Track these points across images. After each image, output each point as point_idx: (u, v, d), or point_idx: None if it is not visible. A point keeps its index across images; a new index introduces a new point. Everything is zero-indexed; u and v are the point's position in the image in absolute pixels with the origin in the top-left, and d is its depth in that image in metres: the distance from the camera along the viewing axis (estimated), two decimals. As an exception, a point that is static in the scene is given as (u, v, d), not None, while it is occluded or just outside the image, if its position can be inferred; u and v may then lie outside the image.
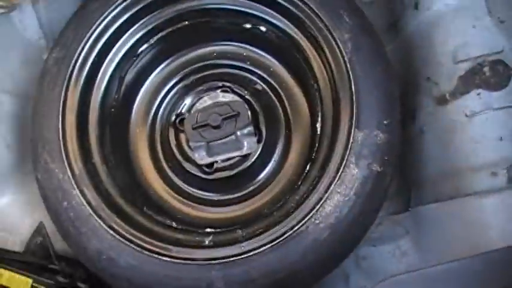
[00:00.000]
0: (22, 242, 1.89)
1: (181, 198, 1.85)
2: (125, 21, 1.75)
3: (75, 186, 1.59)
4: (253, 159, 1.80)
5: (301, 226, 1.46)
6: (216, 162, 1.79)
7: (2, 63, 1.92)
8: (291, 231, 1.46)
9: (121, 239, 1.53)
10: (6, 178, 1.93)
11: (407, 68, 1.79)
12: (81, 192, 1.59)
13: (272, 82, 1.90)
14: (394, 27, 1.87)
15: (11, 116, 1.93)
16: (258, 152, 1.80)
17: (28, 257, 1.82)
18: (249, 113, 1.77)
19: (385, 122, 1.52)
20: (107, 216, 1.57)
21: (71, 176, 1.60)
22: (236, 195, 1.82)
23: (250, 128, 1.77)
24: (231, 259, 1.48)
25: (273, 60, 1.90)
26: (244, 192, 1.82)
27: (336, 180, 1.48)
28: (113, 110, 1.83)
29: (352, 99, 1.53)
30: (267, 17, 1.76)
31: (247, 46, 1.92)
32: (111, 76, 1.79)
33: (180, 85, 1.95)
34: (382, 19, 1.90)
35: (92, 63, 1.72)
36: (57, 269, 1.78)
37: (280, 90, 1.89)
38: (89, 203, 1.58)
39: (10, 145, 1.92)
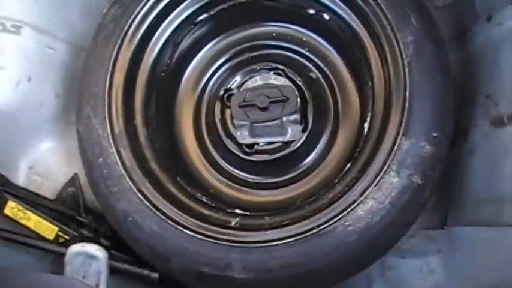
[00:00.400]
0: (55, 190, 1.91)
1: (216, 173, 1.84)
2: (189, -13, 1.73)
3: (112, 144, 1.60)
4: (294, 148, 1.77)
5: (329, 225, 1.43)
6: (257, 144, 1.78)
7: (61, 10, 1.92)
8: (317, 229, 1.43)
9: (148, 204, 1.54)
10: (51, 125, 1.95)
11: (468, 82, 1.70)
12: (117, 151, 1.59)
13: (327, 72, 1.85)
14: (461, 37, 1.79)
15: (63, 65, 1.93)
16: (301, 141, 1.77)
17: (58, 205, 1.83)
18: (298, 100, 1.73)
19: (434, 134, 1.46)
20: (138, 179, 1.57)
21: (109, 134, 1.61)
22: (271, 180, 1.80)
23: (297, 116, 1.73)
24: (253, 245, 1.47)
25: (332, 50, 1.85)
26: (280, 179, 1.80)
27: (373, 185, 1.43)
28: (163, 74, 1.82)
29: (404, 105, 1.47)
30: (331, 6, 1.71)
31: (308, 32, 1.87)
32: (166, 41, 1.77)
33: (233, 61, 1.93)
34: (451, 26, 1.81)
35: (148, 25, 1.71)
36: (83, 222, 1.79)
37: (334, 82, 1.84)
38: (122, 163, 1.58)
39: (59, 94, 1.93)
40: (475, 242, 1.55)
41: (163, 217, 1.52)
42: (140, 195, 1.55)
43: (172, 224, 1.51)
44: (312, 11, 1.78)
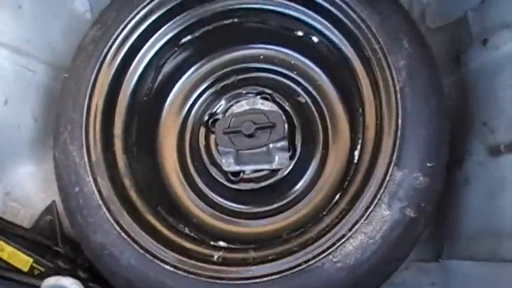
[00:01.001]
0: (32, 217, 1.84)
1: (200, 202, 1.76)
2: (172, 8, 1.66)
3: (89, 172, 1.53)
4: (282, 176, 1.70)
5: (317, 262, 1.36)
6: (243, 172, 1.70)
7: (43, 31, 1.86)
8: (304, 265, 1.36)
9: (126, 236, 1.47)
10: (29, 149, 1.88)
11: (462, 107, 1.64)
12: (95, 180, 1.53)
13: (316, 96, 1.78)
14: (455, 60, 1.72)
15: (42, 86, 1.87)
16: (289, 169, 1.70)
17: (34, 234, 1.76)
18: (286, 126, 1.66)
19: (428, 164, 1.38)
20: (116, 209, 1.51)
21: (87, 162, 1.54)
22: (257, 210, 1.73)
23: (284, 143, 1.66)
24: (237, 282, 1.39)
25: (321, 73, 1.78)
26: (266, 208, 1.72)
27: (363, 219, 1.36)
28: (145, 99, 1.75)
29: (397, 133, 1.40)
30: (320, 28, 1.64)
31: (297, 55, 1.81)
32: (149, 64, 1.71)
33: (219, 84, 1.86)
34: (444, 49, 1.74)
35: (130, 47, 1.65)
36: (60, 252, 1.72)
37: (323, 107, 1.77)
38: (99, 193, 1.51)
39: (37, 117, 1.87)
40: (471, 276, 1.47)
41: (142, 250, 1.45)
42: (117, 227, 1.48)
43: (151, 258, 1.44)
44: (300, 33, 1.72)
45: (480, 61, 1.59)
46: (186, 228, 1.61)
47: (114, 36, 1.62)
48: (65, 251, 1.72)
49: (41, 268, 1.67)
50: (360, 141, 1.58)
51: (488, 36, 1.56)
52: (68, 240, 1.78)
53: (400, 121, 1.40)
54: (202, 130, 1.79)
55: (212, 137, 1.77)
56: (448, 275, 1.56)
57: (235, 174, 1.71)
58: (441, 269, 1.60)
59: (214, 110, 1.80)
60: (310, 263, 1.36)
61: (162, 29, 1.69)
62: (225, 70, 1.85)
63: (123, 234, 1.47)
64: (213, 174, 1.75)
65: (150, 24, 1.65)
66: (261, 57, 1.84)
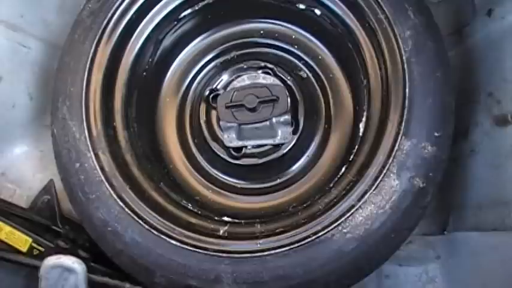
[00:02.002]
0: (29, 198, 1.81)
1: (202, 179, 1.75)
2: (172, -21, 1.63)
3: (90, 148, 1.49)
4: (285, 151, 1.70)
5: (326, 233, 1.34)
6: (245, 147, 1.70)
7: (36, 6, 1.82)
8: (313, 237, 1.34)
9: (129, 212, 1.43)
10: (24, 129, 1.85)
11: (467, 79, 1.64)
12: (96, 155, 1.49)
13: (318, 71, 1.78)
14: (458, 33, 1.72)
15: (37, 64, 1.83)
16: (292, 144, 1.70)
17: (32, 214, 1.72)
18: (289, 100, 1.64)
19: (436, 134, 1.37)
20: (118, 185, 1.47)
21: (87, 137, 1.50)
22: (261, 185, 1.72)
23: (288, 117, 1.65)
24: (244, 255, 1.37)
25: (323, 48, 1.77)
26: (270, 184, 1.71)
27: (372, 189, 1.35)
28: (144, 74, 1.72)
29: (404, 104, 1.38)
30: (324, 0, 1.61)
31: (298, 29, 1.79)
32: (148, 37, 1.68)
33: (219, 59, 1.84)
34: (447, 22, 1.74)
35: (128, 20, 1.61)
36: (60, 232, 1.69)
37: (325, 81, 1.76)
38: (101, 168, 1.48)
39: (33, 95, 1.83)
40: (478, 247, 1.48)
41: (146, 226, 1.42)
42: (121, 202, 1.44)
43: (156, 233, 1.41)
44: (302, 6, 1.70)
45: (485, 32, 1.59)
46: (190, 205, 1.59)
47: (113, 9, 1.58)
48: (64, 231, 1.69)
49: (41, 248, 1.62)
50: (365, 114, 1.57)
51: (493, 6, 1.56)
52: (68, 221, 1.75)
53: (407, 91, 1.39)
54: (203, 106, 1.77)
55: (213, 112, 1.75)
56: (454, 247, 1.56)
57: (238, 149, 1.70)
58: (446, 242, 1.60)
59: (215, 86, 1.78)
60: (319, 234, 1.34)
61: (162, 2, 1.65)
62: (225, 45, 1.83)
63: (127, 209, 1.43)
64: (215, 150, 1.74)
65: (150, -4, 1.62)
66: (262, 32, 1.82)
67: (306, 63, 1.79)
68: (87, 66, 1.55)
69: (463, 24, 1.69)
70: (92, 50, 1.56)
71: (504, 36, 1.52)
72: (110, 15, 1.58)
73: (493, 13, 1.55)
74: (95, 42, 1.56)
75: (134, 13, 1.61)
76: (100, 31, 1.57)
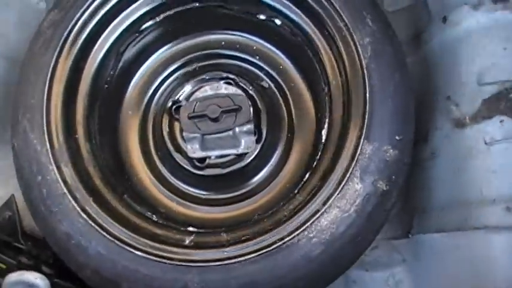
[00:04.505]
0: (-11, 215, 1.75)
1: (166, 190, 1.73)
2: (132, -9, 1.63)
3: (52, 160, 1.46)
4: (249, 160, 1.68)
5: (292, 238, 1.34)
6: (209, 157, 1.68)
7: (-6, 21, 1.79)
8: (280, 242, 1.34)
9: (93, 224, 1.41)
10: (-17, 144, 1.79)
11: (426, 84, 1.66)
12: (58, 168, 1.46)
13: (280, 81, 1.79)
14: (415, 40, 1.75)
15: (-3, 79, 1.79)
16: (256, 153, 1.68)
17: (-8, 231, 1.67)
18: (251, 109, 1.64)
19: (397, 137, 1.40)
20: (81, 197, 1.45)
21: (49, 149, 1.47)
22: (226, 196, 1.71)
23: (251, 126, 1.64)
24: (211, 264, 1.36)
25: (284, 57, 1.79)
26: (234, 194, 1.71)
27: (336, 193, 1.35)
28: (106, 86, 1.70)
29: (365, 109, 1.40)
30: (284, 10, 1.63)
31: (259, 39, 1.80)
32: (109, 49, 1.66)
33: (181, 71, 1.83)
34: (404, 30, 1.76)
35: (89, 32, 1.60)
36: (22, 248, 1.64)
37: (287, 90, 1.78)
38: (64, 181, 1.45)
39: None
40: (443, 248, 1.48)
41: (111, 238, 1.40)
42: (84, 215, 1.42)
43: (121, 245, 1.39)
44: (262, 17, 1.70)
45: (441, 38, 1.62)
46: (154, 216, 1.57)
47: (74, 20, 1.57)
48: (27, 247, 1.65)
49: (2, 265, 1.58)
50: (327, 120, 1.58)
51: (448, 13, 1.59)
52: (29, 237, 1.71)
53: (367, 96, 1.41)
54: (166, 117, 1.75)
55: (176, 124, 1.73)
56: (419, 249, 1.57)
57: (201, 160, 1.68)
58: (412, 245, 1.61)
59: (177, 97, 1.77)
60: (285, 240, 1.34)
61: (124, 13, 1.64)
62: (187, 57, 1.83)
63: (90, 222, 1.41)
64: (179, 161, 1.72)
65: (110, 8, 1.61)
66: (223, 43, 1.82)
67: (267, 73, 1.80)
68: (48, 78, 1.52)
69: (420, 31, 1.72)
70: (53, 62, 1.54)
71: (459, 41, 1.55)
72: (70, 26, 1.56)
73: (448, 20, 1.58)
74: (55, 54, 1.54)
75: (95, 25, 1.60)
76: (61, 43, 1.55)
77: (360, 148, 1.37)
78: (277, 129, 1.73)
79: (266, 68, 1.80)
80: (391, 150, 1.38)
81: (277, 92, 1.78)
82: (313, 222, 1.34)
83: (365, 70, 1.43)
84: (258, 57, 1.81)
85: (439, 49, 1.63)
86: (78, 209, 1.42)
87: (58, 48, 1.55)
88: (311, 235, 1.34)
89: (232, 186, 1.71)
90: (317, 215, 1.34)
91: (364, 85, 1.42)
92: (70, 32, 1.56)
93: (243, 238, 1.39)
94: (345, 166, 1.38)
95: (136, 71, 1.80)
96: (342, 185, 1.36)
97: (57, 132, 1.50)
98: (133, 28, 1.69)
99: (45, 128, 1.49)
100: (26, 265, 1.60)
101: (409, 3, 1.81)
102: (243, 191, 1.70)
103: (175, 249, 1.39)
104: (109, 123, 1.73)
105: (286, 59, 1.78)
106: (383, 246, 1.67)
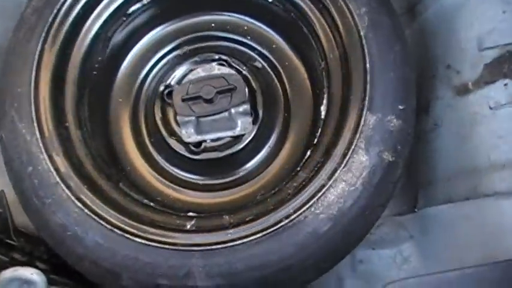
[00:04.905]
0: (-22, 212, 1.68)
1: (162, 178, 1.68)
2: (117, -27, 1.58)
3: (43, 149, 1.41)
4: (246, 142, 1.63)
5: (299, 215, 1.29)
6: (205, 141, 1.63)
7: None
8: (286, 221, 1.29)
9: (90, 213, 1.36)
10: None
11: (424, 55, 1.63)
12: (49, 156, 1.40)
13: (273, 60, 1.75)
14: (411, 11, 1.73)
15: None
16: (253, 134, 1.64)
17: (-18, 228, 1.61)
18: (247, 89, 1.59)
19: (400, 107, 1.36)
20: (75, 186, 1.39)
21: (39, 138, 1.42)
22: (224, 180, 1.66)
23: (247, 106, 1.59)
24: (215, 247, 1.31)
25: (276, 36, 1.75)
26: (233, 177, 1.66)
27: (341, 167, 1.31)
28: (95, 72, 1.64)
29: (366, 79, 1.36)
30: None
31: (250, 19, 1.76)
32: (96, 34, 1.60)
33: (172, 54, 1.78)
34: (398, 2, 1.73)
35: (75, 17, 1.54)
36: (14, 245, 1.58)
37: (281, 69, 1.74)
38: (56, 170, 1.39)
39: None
40: (451, 220, 1.45)
41: (109, 226, 1.34)
42: (79, 204, 1.36)
43: (120, 232, 1.34)
44: (253, -6, 1.66)
45: (437, 6, 1.60)
46: (152, 203, 1.52)
47: (58, 6, 1.51)
48: (20, 244, 1.58)
49: (-5, 263, 1.52)
50: (325, 96, 1.55)
51: None
52: (22, 233, 1.64)
53: (368, 66, 1.37)
54: (158, 103, 1.70)
55: (169, 109, 1.68)
56: (426, 224, 1.54)
57: (197, 144, 1.63)
58: (418, 219, 1.58)
59: (169, 81, 1.72)
60: (291, 217, 1.29)
61: (109, -5, 1.59)
62: (177, 40, 1.77)
63: (86, 211, 1.35)
64: (173, 147, 1.66)
65: (96, -9, 1.56)
66: (213, 24, 1.78)
67: (260, 53, 1.76)
68: (35, 65, 1.47)
69: (414, 3, 1.70)
70: (39, 49, 1.48)
71: (456, 8, 1.53)
72: (55, 12, 1.51)
73: None
74: (41, 41, 1.49)
75: (81, 9, 1.54)
76: (46, 29, 1.50)
77: (363, 119, 1.34)
78: (273, 109, 1.69)
79: (258, 48, 1.76)
80: (395, 120, 1.35)
81: (271, 72, 1.74)
82: (319, 197, 1.30)
83: (363, 40, 1.40)
84: (249, 38, 1.76)
85: (435, 18, 1.61)
86: (73, 197, 1.37)
87: (43, 35, 1.49)
88: (318, 211, 1.29)
89: (230, 170, 1.66)
90: (323, 190, 1.30)
91: (363, 56, 1.39)
92: (55, 18, 1.51)
93: (246, 219, 1.34)
94: (349, 139, 1.34)
95: (126, 56, 1.75)
96: (347, 158, 1.32)
97: (46, 121, 1.44)
98: (121, 12, 1.64)
99: (34, 117, 1.43)
100: (19, 262, 1.54)
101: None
102: (242, 174, 1.66)
103: (176, 235, 1.34)
104: (100, 111, 1.67)
105: (279, 38, 1.74)
106: (388, 223, 1.64)
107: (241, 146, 1.63)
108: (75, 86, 1.56)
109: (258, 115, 1.65)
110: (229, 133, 1.62)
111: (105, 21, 1.61)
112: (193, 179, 1.67)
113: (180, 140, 1.64)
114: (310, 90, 1.66)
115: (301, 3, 1.56)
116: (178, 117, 1.60)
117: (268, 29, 1.75)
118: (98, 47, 1.63)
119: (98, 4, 1.59)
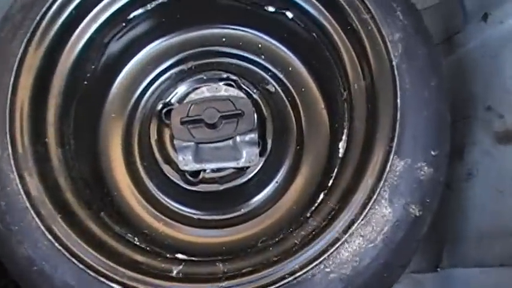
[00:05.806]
0: None
1: (151, 208, 1.54)
2: (119, -28, 1.46)
3: (13, 168, 1.27)
4: (250, 175, 1.50)
5: (305, 273, 1.14)
6: (204, 171, 1.49)
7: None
8: (290, 278, 1.14)
9: (60, 248, 1.21)
10: None
11: (461, 92, 1.51)
12: (21, 177, 1.26)
13: (288, 84, 1.62)
14: (449, 41, 1.60)
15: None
16: (259, 167, 1.50)
17: None
18: (255, 115, 1.45)
19: (432, 152, 1.20)
20: (47, 214, 1.25)
21: (11, 154, 1.28)
22: (222, 217, 1.52)
23: (254, 135, 1.45)
24: (203, 304, 1.16)
25: (294, 57, 1.62)
26: (233, 215, 1.52)
27: (360, 219, 1.16)
28: (85, 82, 1.51)
29: (396, 117, 1.21)
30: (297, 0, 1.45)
31: (265, 36, 1.63)
32: (91, 39, 1.47)
33: (175, 69, 1.65)
34: (435, 30, 1.59)
35: (67, 18, 1.41)
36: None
37: (296, 96, 1.61)
38: (27, 193, 1.25)
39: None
40: (480, 285, 1.30)
41: (81, 265, 1.20)
42: (49, 236, 1.22)
43: (93, 274, 1.19)
44: (271, 9, 1.52)
45: (480, 39, 1.48)
46: (136, 239, 1.37)
47: (48, 4, 1.37)
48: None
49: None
50: (345, 131, 1.41)
51: (489, 10, 1.44)
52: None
53: (398, 102, 1.21)
54: (155, 122, 1.56)
55: (166, 130, 1.55)
56: (450, 285, 1.39)
57: (195, 174, 1.49)
58: (440, 280, 1.47)
59: (168, 99, 1.58)
60: (297, 275, 1.14)
61: (108, -3, 1.47)
62: (181, 54, 1.65)
63: (57, 244, 1.21)
64: (168, 174, 1.52)
65: (93, -10, 1.43)
66: (224, 39, 1.65)
67: (274, 76, 1.63)
68: (15, 69, 1.33)
69: (454, 32, 1.58)
70: (21, 50, 1.34)
71: (503, 42, 1.40)
72: (44, 9, 1.37)
73: (490, 17, 1.43)
74: (25, 41, 1.35)
75: (74, 9, 1.41)
76: (31, 29, 1.36)
77: (389, 165, 1.18)
78: (284, 140, 1.55)
79: (273, 69, 1.64)
80: (426, 168, 1.19)
81: (285, 98, 1.61)
82: (331, 253, 1.15)
83: (395, 71, 1.24)
84: (263, 57, 1.64)
85: (477, 52, 1.49)
86: (43, 228, 1.22)
87: (28, 35, 1.36)
88: (328, 269, 1.14)
89: (230, 206, 1.52)
90: (336, 245, 1.15)
91: (394, 89, 1.23)
92: (43, 17, 1.37)
93: (243, 271, 1.20)
94: (371, 186, 1.18)
95: (123, 67, 1.62)
96: (367, 209, 1.16)
97: (22, 134, 1.30)
98: (120, 16, 1.51)
99: (7, 129, 1.29)
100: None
101: (440, 0, 1.66)
102: (243, 211, 1.52)
103: (159, 282, 1.19)
104: (87, 127, 1.54)
105: (297, 59, 1.61)
106: (405, 280, 1.52)
107: (245, 179, 1.50)
108: (61, 96, 1.43)
109: (267, 146, 1.52)
110: (232, 164, 1.48)
111: (102, 26, 1.49)
112: (187, 212, 1.53)
113: (175, 167, 1.50)
114: (328, 122, 1.54)
115: (326, 23, 1.42)
116: (175, 141, 1.46)
117: (285, 49, 1.63)
118: (91, 54, 1.51)
119: (96, 5, 1.46)
